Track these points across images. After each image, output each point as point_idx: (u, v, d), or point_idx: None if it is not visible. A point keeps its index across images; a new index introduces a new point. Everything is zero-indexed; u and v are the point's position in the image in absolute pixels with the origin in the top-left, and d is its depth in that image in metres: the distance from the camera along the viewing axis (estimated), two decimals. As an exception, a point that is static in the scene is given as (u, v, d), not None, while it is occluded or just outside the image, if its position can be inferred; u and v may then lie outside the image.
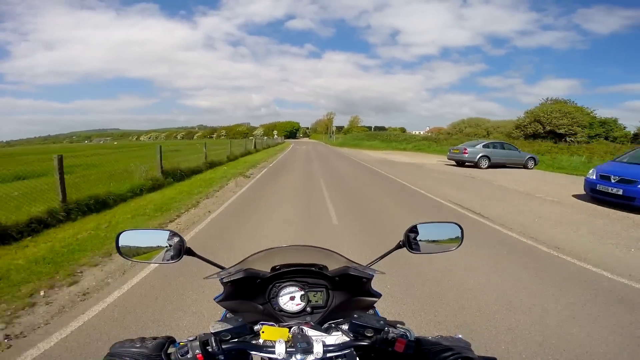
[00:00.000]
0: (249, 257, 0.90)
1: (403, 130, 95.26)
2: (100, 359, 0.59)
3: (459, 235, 0.99)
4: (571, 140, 33.22)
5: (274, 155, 21.17)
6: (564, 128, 35.01)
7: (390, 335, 0.65)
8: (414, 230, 0.96)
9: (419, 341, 0.66)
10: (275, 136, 52.62)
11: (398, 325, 0.69)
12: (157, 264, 1.14)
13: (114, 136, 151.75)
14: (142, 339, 0.64)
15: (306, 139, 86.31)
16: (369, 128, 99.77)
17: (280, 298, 0.87)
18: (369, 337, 0.65)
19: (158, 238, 0.90)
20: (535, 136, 34.96)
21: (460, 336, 0.68)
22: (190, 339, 0.62)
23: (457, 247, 0.99)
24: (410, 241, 0.95)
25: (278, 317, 0.85)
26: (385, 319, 0.68)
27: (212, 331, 0.62)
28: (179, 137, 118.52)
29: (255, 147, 24.23)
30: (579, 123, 35.09)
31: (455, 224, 1.00)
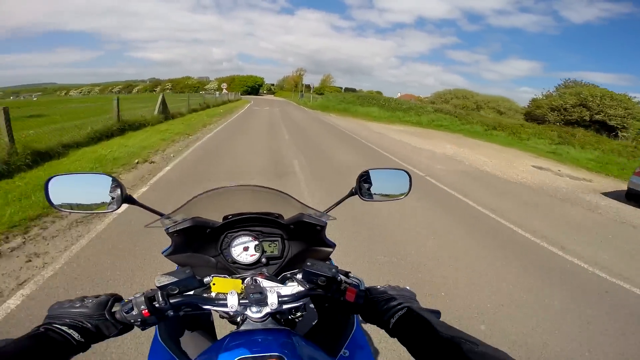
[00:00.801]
0: (193, 198, 0.80)
1: (380, 94, 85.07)
2: (41, 321, 0.54)
3: (407, 182, 0.98)
4: (623, 136, 25.14)
5: (192, 135, 9.38)
6: (616, 120, 26.62)
7: (343, 284, 0.65)
8: (366, 178, 0.93)
9: (368, 291, 0.66)
10: (225, 91, 38.35)
11: (350, 274, 0.69)
12: (94, 214, 0.85)
13: (46, 91, 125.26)
14: (83, 298, 0.59)
15: (271, 97, 72.31)
16: (340, 89, 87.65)
17: (233, 249, 0.83)
18: (322, 286, 0.64)
19: (94, 183, 0.78)
20: (574, 124, 26.44)
21: (407, 287, 0.68)
22: (137, 295, 0.58)
23: (406, 195, 0.98)
24: (362, 189, 0.92)
25: (232, 269, 0.82)
26: (337, 267, 0.68)
27: (158, 285, 0.57)
28: (114, 91, 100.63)
29: (162, 111, 11.58)
30: (633, 115, 26.83)
31: (404, 171, 0.99)
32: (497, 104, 41.37)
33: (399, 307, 0.61)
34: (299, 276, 0.69)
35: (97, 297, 0.59)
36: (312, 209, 0.84)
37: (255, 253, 0.83)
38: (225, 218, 0.83)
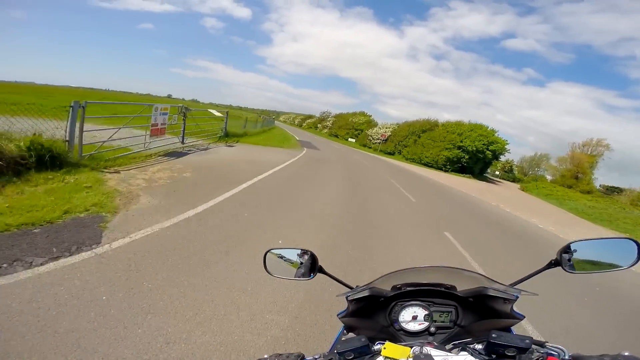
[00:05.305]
0: (376, 279, 0.97)
1: None
2: None
3: (635, 252, 0.91)
4: None
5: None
6: None
7: (537, 354, 0.63)
8: (568, 249, 0.94)
9: None
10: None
11: (547, 344, 0.68)
12: (294, 280, 1.10)
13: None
14: (279, 356, 0.70)
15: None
16: None
17: (401, 317, 0.93)
18: (511, 357, 0.64)
19: (296, 255, 1.08)
20: None
21: (627, 353, 0.60)
22: (316, 356, 0.71)
23: (630, 266, 0.92)
24: (564, 260, 0.93)
25: (397, 336, 0.91)
26: (531, 337, 0.66)
27: (337, 351, 0.69)
28: (295, 121, 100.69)
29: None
30: None
31: (630, 239, 0.94)
32: None
33: None
34: (477, 347, 0.73)
35: (288, 356, 0.70)
36: (496, 281, 0.89)
37: (424, 322, 0.91)
38: (394, 287, 0.95)
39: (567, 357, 0.63)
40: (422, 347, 0.71)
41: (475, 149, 32.28)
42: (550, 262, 0.92)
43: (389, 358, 0.67)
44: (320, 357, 0.69)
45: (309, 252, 1.02)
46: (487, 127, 34.43)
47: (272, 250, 1.08)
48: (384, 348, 0.69)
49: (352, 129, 51.32)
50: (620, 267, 0.92)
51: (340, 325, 0.97)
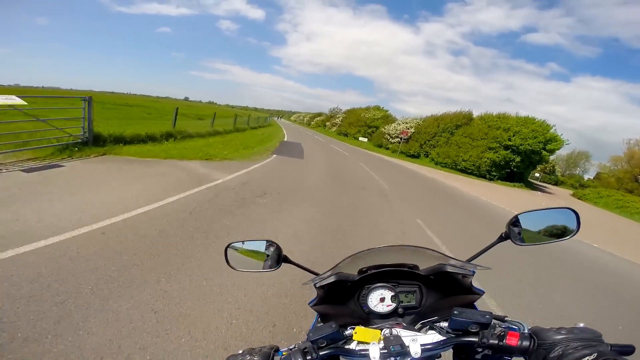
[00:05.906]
0: (340, 262, 0.95)
1: None
2: None
3: (574, 221, 0.92)
4: None
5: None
6: None
7: (499, 329, 0.64)
8: (517, 221, 0.93)
9: (534, 334, 0.62)
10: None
11: (507, 318, 0.70)
12: (259, 272, 1.04)
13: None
14: (251, 351, 0.69)
15: None
16: None
17: (370, 300, 0.94)
18: (474, 333, 0.65)
19: (258, 247, 1.02)
20: None
21: (582, 325, 0.60)
22: (291, 347, 0.70)
23: (572, 235, 0.92)
24: (513, 233, 0.93)
25: (368, 319, 0.93)
26: (491, 313, 0.67)
27: (310, 340, 0.69)
28: (305, 120, 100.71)
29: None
30: None
31: (569, 209, 0.94)
32: None
33: (587, 352, 0.53)
34: (444, 324, 0.73)
35: (261, 349, 0.68)
36: (453, 258, 0.90)
37: (391, 303, 0.92)
38: (360, 271, 0.94)
39: (526, 331, 0.63)
40: (391, 328, 0.73)
41: (529, 149, 24.04)
42: (501, 235, 0.93)
43: (361, 342, 0.70)
44: (294, 347, 0.68)
45: (274, 244, 0.99)
46: (542, 121, 26.32)
47: (233, 244, 1.03)
48: (355, 333, 0.71)
49: (364, 125, 42.95)
50: (565, 237, 0.93)
51: (314, 315, 0.97)
